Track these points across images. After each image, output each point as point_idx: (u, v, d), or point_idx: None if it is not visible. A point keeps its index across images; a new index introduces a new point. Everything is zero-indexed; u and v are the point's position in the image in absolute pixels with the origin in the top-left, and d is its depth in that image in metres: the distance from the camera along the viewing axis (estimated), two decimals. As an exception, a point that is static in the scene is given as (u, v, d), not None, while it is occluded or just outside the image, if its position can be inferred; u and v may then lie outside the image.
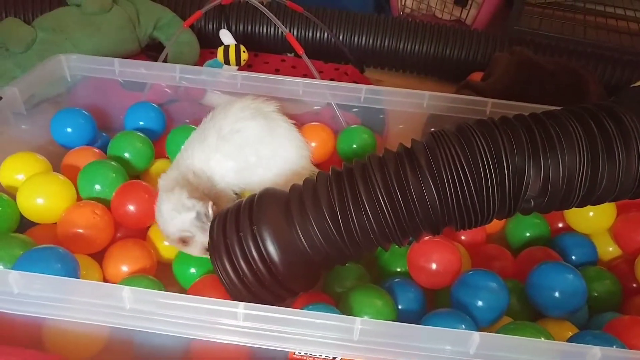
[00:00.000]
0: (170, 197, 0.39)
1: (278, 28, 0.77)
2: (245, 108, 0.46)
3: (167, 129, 0.53)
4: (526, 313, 0.41)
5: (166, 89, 0.55)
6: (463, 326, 0.34)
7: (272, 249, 0.33)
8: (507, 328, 0.35)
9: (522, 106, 0.52)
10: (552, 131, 0.33)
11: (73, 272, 0.33)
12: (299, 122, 0.60)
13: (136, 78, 0.52)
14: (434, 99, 0.52)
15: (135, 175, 0.48)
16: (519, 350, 0.29)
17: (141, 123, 0.50)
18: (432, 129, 0.36)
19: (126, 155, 0.46)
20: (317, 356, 0.31)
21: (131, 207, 0.40)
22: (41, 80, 0.49)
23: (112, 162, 0.43)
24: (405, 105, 0.53)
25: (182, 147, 0.45)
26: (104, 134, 0.53)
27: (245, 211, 0.35)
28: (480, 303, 0.37)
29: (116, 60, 0.51)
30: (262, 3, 0.68)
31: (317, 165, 0.52)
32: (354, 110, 0.56)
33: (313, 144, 0.53)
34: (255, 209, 0.34)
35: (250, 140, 0.45)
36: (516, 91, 0.67)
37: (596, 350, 0.28)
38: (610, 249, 0.48)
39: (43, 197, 0.39)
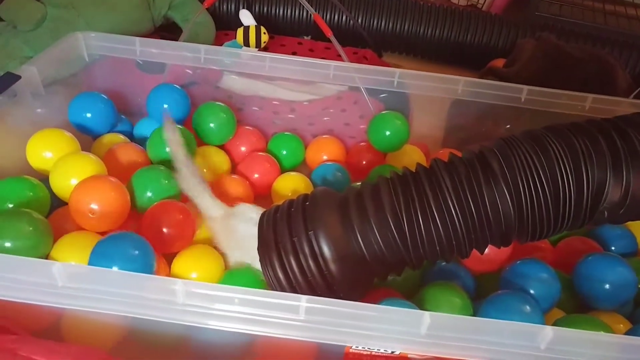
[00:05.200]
0: None
1: (296, 9, 0.74)
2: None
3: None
4: (573, 305, 0.40)
5: (187, 71, 0.53)
6: (528, 308, 0.32)
7: (330, 257, 0.31)
8: (566, 320, 0.34)
9: (558, 93, 0.51)
10: (634, 139, 0.31)
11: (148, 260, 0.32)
12: (320, 107, 0.58)
13: (158, 59, 0.49)
14: (469, 85, 0.50)
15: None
16: (590, 345, 0.27)
17: (165, 106, 0.48)
18: (502, 137, 0.33)
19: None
20: (375, 350, 0.29)
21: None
22: (59, 59, 0.46)
23: (162, 168, 0.40)
24: (439, 91, 0.51)
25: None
26: (124, 118, 0.50)
27: (298, 213, 0.32)
28: (532, 292, 0.36)
29: (137, 39, 0.48)
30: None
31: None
32: (381, 95, 0.54)
33: (324, 157, 0.51)
34: (310, 211, 0.32)
35: None
36: (542, 78, 0.65)
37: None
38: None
39: (77, 177, 0.37)
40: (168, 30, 0.68)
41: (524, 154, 0.32)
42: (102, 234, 0.35)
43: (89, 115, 0.46)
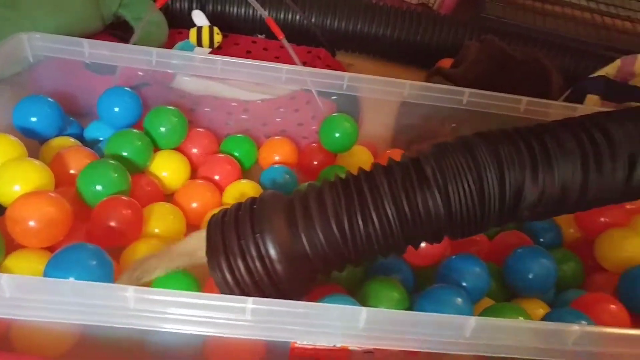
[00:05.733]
0: None
1: (249, 8, 0.75)
2: None
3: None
4: (503, 294, 0.44)
5: (138, 73, 0.53)
6: (459, 300, 0.35)
7: (275, 258, 0.32)
8: (491, 309, 0.37)
9: (496, 96, 0.54)
10: (549, 145, 0.35)
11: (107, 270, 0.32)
12: (274, 107, 0.59)
13: (109, 61, 0.49)
14: (414, 88, 0.53)
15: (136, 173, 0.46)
16: (508, 331, 0.31)
17: (116, 109, 0.48)
18: (436, 143, 0.36)
19: (124, 154, 0.44)
20: (318, 345, 0.32)
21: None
22: (1, 62, 0.45)
23: (112, 161, 0.41)
24: (386, 94, 0.54)
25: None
26: (74, 121, 0.50)
27: (246, 216, 0.34)
28: (464, 284, 0.39)
29: (85, 40, 0.48)
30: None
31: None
32: (333, 98, 0.56)
33: (276, 157, 0.53)
34: (257, 213, 0.34)
35: None
36: (487, 79, 0.69)
37: (575, 328, 0.31)
38: (572, 230, 0.52)
39: (20, 184, 0.37)
40: (118, 29, 0.67)
41: (454, 160, 0.35)
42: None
43: (34, 119, 0.45)
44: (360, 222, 0.34)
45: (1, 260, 0.34)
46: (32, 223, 0.34)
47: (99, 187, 0.39)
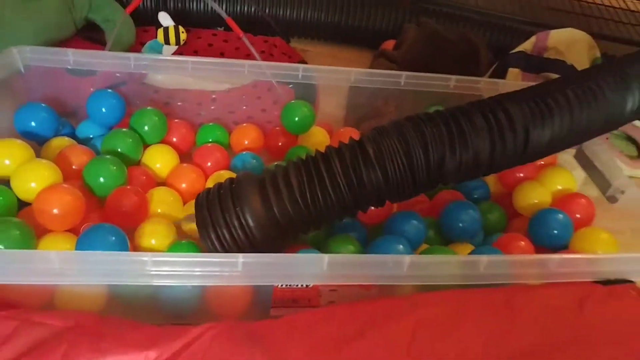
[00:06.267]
0: None
1: (208, 4, 0.81)
2: None
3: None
4: (440, 241, 0.54)
5: (116, 74, 0.60)
6: (401, 246, 0.45)
7: (253, 226, 0.41)
8: (427, 250, 0.48)
9: (430, 76, 0.63)
10: (463, 124, 0.43)
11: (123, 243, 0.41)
12: (241, 94, 0.67)
13: (90, 67, 0.56)
14: (359, 74, 0.62)
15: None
16: (438, 265, 0.41)
17: (103, 110, 0.55)
18: (376, 126, 0.45)
19: (119, 150, 0.52)
20: (295, 286, 0.42)
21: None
22: (-2, 74, 0.51)
23: (111, 157, 0.49)
24: (335, 81, 0.62)
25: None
26: (66, 121, 0.56)
27: (227, 194, 0.42)
28: (405, 235, 0.49)
29: (70, 50, 0.54)
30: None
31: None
32: (290, 85, 0.65)
33: (245, 142, 0.61)
34: (236, 191, 0.42)
35: None
36: (424, 60, 0.79)
37: (484, 258, 0.41)
38: (498, 186, 0.63)
39: (36, 181, 0.44)
40: (90, 30, 0.72)
41: (389, 141, 0.43)
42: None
43: (33, 124, 0.52)
44: (319, 194, 0.43)
45: (35, 243, 0.42)
46: (55, 211, 0.42)
47: (102, 180, 0.47)
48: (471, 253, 0.49)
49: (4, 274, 0.34)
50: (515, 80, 0.77)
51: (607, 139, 0.77)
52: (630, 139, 0.80)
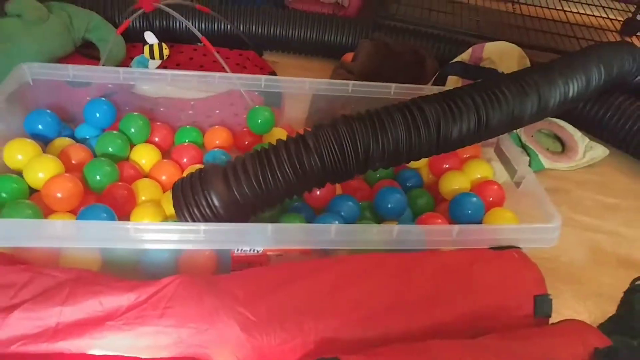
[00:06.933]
0: None
1: (192, 23, 0.93)
2: None
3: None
4: (374, 219, 0.66)
5: (108, 85, 0.72)
6: (336, 222, 0.57)
7: (218, 205, 0.51)
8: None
9: (373, 84, 0.75)
10: (384, 119, 0.54)
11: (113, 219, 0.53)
12: (216, 100, 0.78)
13: (87, 79, 0.68)
14: (314, 84, 0.74)
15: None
16: (359, 233, 0.53)
17: (97, 115, 0.67)
18: (316, 123, 0.55)
19: (110, 149, 0.64)
20: (248, 251, 0.53)
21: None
22: (11, 88, 0.63)
23: (105, 159, 0.61)
24: (294, 89, 0.74)
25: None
26: (66, 125, 0.68)
27: (196, 180, 0.53)
28: (342, 214, 0.61)
29: (70, 66, 0.66)
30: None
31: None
32: (256, 92, 0.76)
33: (217, 142, 0.72)
34: (204, 177, 0.53)
35: None
36: (375, 69, 0.91)
37: (396, 227, 0.53)
38: (430, 176, 0.75)
39: (44, 172, 0.56)
40: (87, 48, 0.84)
41: (325, 134, 0.55)
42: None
43: (40, 127, 0.64)
44: (270, 178, 0.54)
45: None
46: (59, 195, 0.54)
47: (98, 177, 0.59)
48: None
49: (19, 239, 0.45)
50: (454, 86, 0.89)
51: (532, 136, 0.89)
52: (556, 137, 0.92)
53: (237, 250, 0.53)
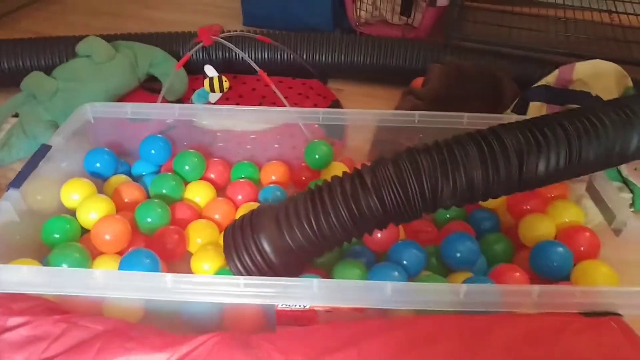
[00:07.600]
0: None
1: (250, 53, 0.92)
2: None
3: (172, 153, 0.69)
4: (441, 268, 0.58)
5: (167, 121, 0.71)
6: (396, 273, 0.50)
7: (269, 250, 0.48)
8: (418, 279, 0.53)
9: (442, 114, 0.68)
10: (455, 152, 0.47)
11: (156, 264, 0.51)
12: (276, 133, 0.75)
13: (144, 116, 0.67)
14: (377, 115, 0.68)
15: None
16: (419, 292, 0.46)
17: (153, 151, 0.66)
18: (377, 157, 0.50)
19: (164, 191, 0.63)
20: (294, 306, 0.48)
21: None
22: (74, 126, 0.64)
23: (157, 201, 0.59)
24: (354, 121, 0.69)
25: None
26: (123, 161, 0.68)
27: (247, 224, 0.50)
28: (404, 262, 0.54)
29: (129, 105, 0.66)
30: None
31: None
32: (316, 125, 0.72)
33: (273, 177, 0.69)
34: (255, 221, 0.50)
35: None
36: (446, 95, 0.83)
37: (464, 286, 0.45)
38: (507, 218, 0.65)
39: (95, 212, 0.56)
40: (150, 81, 0.85)
41: (385, 171, 0.49)
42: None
43: (98, 165, 0.64)
44: (323, 221, 0.49)
45: (90, 264, 0.52)
46: (107, 237, 0.53)
47: (149, 219, 0.58)
48: (464, 282, 0.52)
49: (61, 287, 0.44)
50: (538, 114, 0.79)
51: (635, 169, 0.76)
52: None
53: (281, 304, 0.48)
